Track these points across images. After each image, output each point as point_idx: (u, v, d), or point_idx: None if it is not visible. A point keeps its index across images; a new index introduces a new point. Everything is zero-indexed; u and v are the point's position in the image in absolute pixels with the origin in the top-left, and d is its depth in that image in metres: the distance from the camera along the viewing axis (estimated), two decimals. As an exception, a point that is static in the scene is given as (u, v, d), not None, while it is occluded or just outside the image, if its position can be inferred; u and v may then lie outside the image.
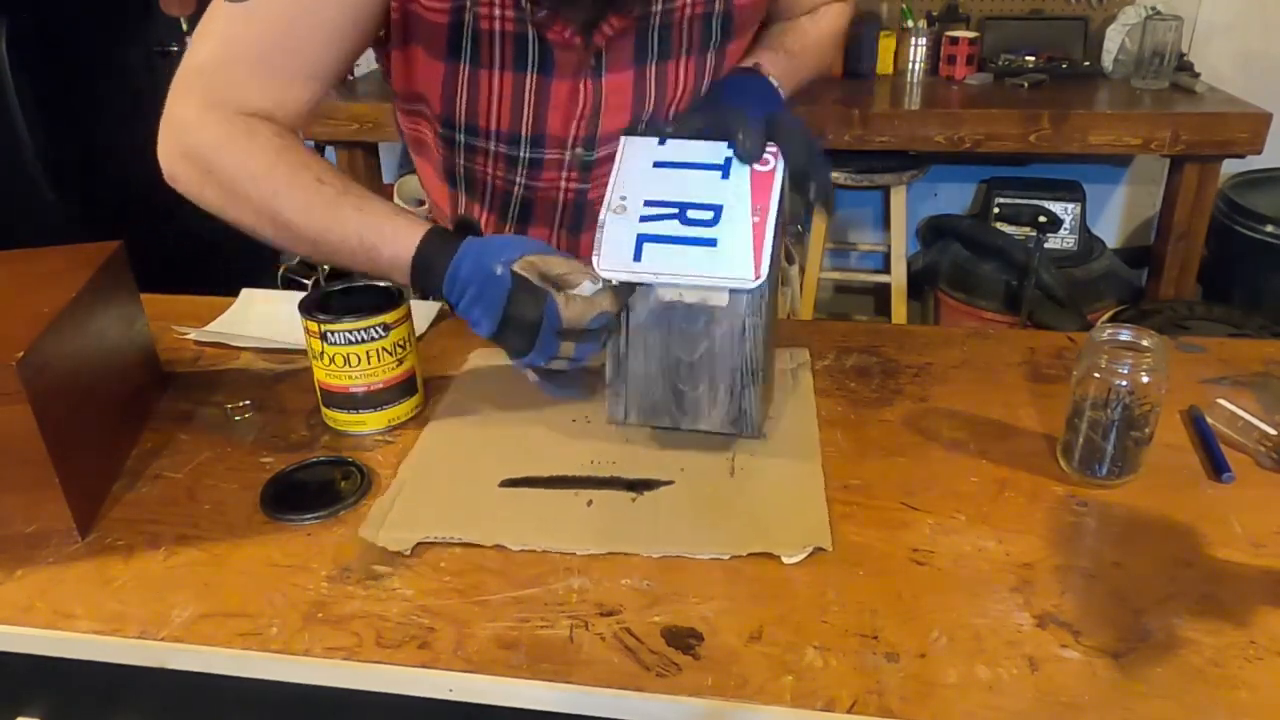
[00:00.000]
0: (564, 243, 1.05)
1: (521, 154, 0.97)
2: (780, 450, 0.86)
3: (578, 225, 1.04)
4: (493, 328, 0.79)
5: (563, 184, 1.00)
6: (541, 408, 0.93)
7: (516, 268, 0.78)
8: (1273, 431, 0.87)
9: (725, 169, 0.82)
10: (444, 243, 0.79)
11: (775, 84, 0.97)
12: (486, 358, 1.03)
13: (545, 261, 0.80)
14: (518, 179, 0.99)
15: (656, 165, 0.83)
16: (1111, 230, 2.86)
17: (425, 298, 0.85)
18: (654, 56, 0.92)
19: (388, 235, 0.80)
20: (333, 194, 0.81)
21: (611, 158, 0.85)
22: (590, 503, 0.80)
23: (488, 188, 1.02)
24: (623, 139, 0.85)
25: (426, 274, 0.79)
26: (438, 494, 0.81)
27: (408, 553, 0.74)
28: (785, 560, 0.73)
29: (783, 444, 0.87)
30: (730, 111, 0.83)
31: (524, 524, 0.77)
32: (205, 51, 0.82)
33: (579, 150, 0.97)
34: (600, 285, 0.80)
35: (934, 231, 2.87)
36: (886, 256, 2.71)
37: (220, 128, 0.81)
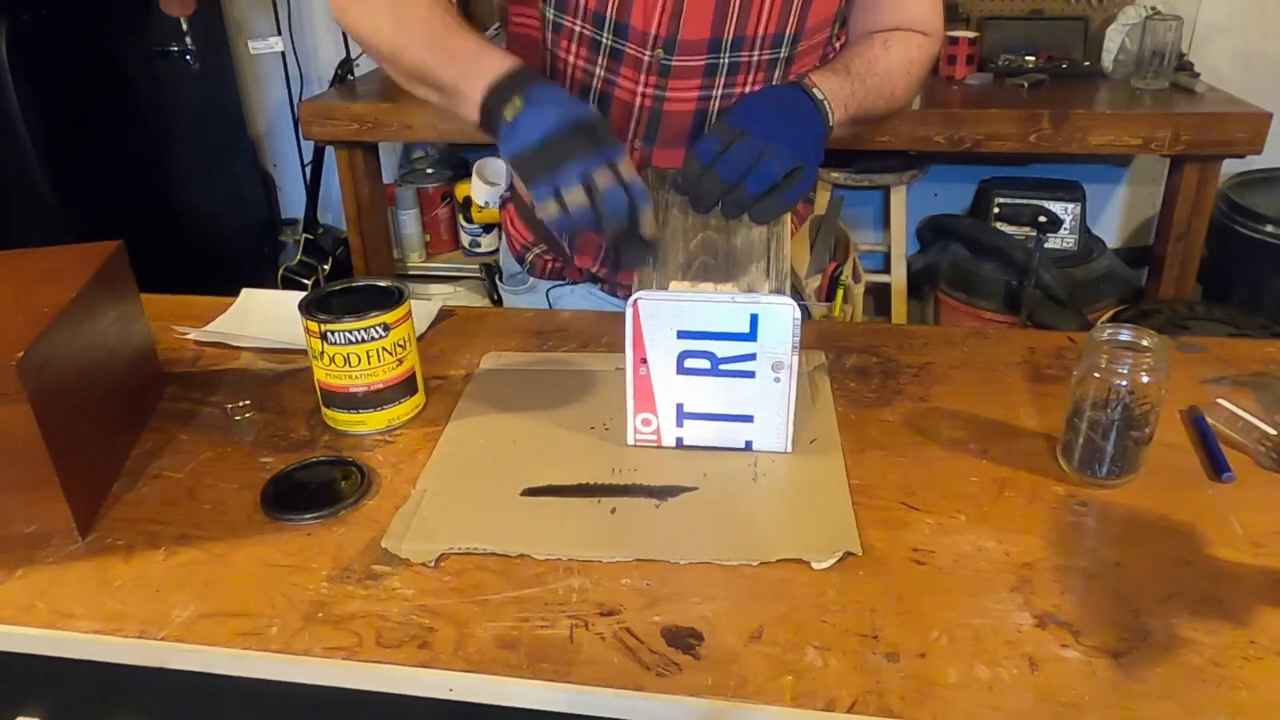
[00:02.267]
0: (637, 155, 1.04)
1: (604, 39, 0.98)
2: (802, 454, 0.86)
3: (652, 136, 1.03)
4: (552, 125, 0.81)
5: (640, 87, 1.00)
6: (559, 414, 0.93)
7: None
8: (1273, 431, 0.87)
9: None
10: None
11: (820, 98, 0.92)
12: (499, 361, 1.03)
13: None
14: (598, 69, 1.00)
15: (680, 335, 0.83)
16: (1111, 230, 2.86)
17: (492, 112, 0.86)
18: None
19: (473, 71, 0.87)
20: (437, 15, 0.91)
21: (690, 69, 0.91)
22: (614, 511, 0.79)
23: (568, 81, 1.02)
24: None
25: (526, 76, 0.85)
26: (459, 503, 0.81)
27: (432, 564, 0.74)
28: (815, 566, 0.72)
29: (804, 448, 0.87)
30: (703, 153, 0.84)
31: (548, 533, 0.76)
32: None
33: (659, 51, 0.97)
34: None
35: (934, 231, 2.87)
36: (886, 256, 2.71)
37: None
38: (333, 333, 0.86)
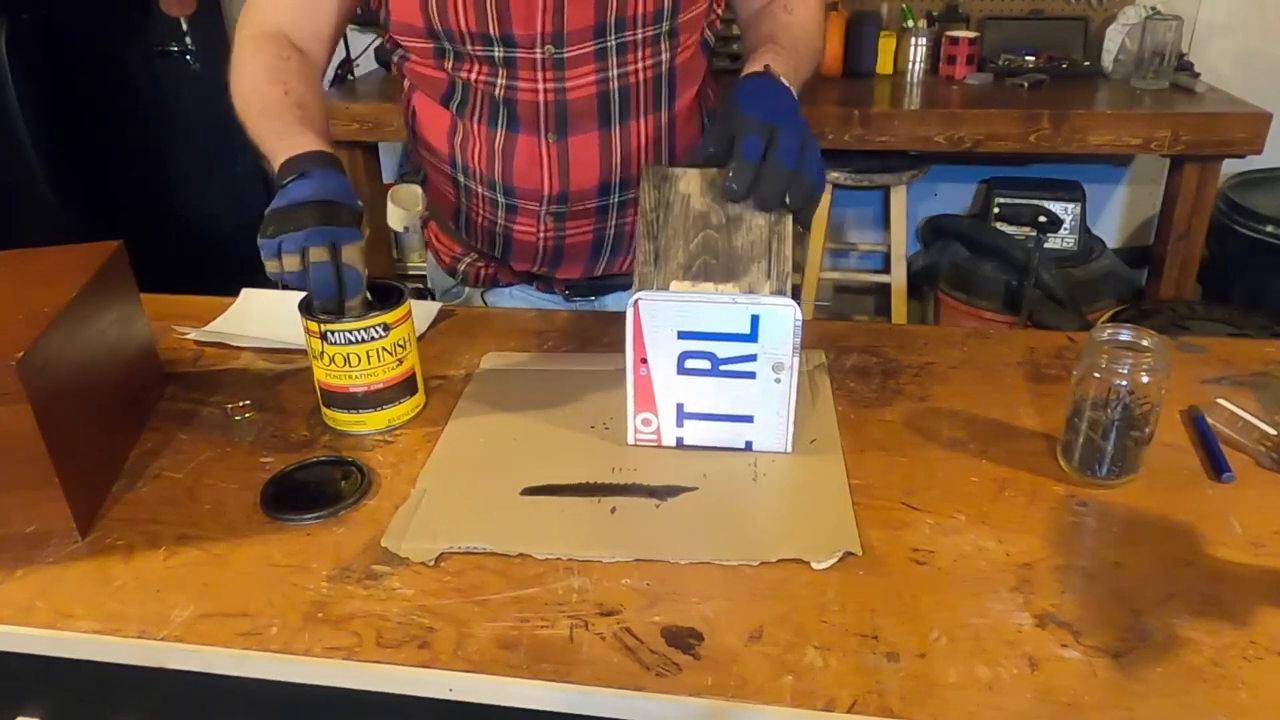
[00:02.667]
0: (553, 148, 1.08)
1: (495, 53, 1.01)
2: (802, 454, 0.86)
3: (562, 128, 1.07)
4: (301, 197, 0.86)
5: (540, 84, 1.03)
6: (559, 414, 0.93)
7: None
8: (1273, 431, 0.87)
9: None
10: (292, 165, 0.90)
11: (786, 84, 0.97)
12: (499, 361, 1.03)
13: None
14: (499, 81, 1.04)
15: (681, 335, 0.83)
16: (1111, 230, 2.86)
17: (278, 176, 0.92)
18: None
19: (281, 146, 0.93)
20: (273, 101, 0.99)
21: (582, 57, 0.95)
22: (614, 510, 0.79)
23: (476, 96, 1.07)
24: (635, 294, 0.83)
25: (309, 154, 0.91)
26: (459, 502, 0.81)
27: (431, 563, 0.74)
28: (815, 566, 0.72)
29: (804, 448, 0.87)
30: (729, 133, 0.86)
31: (548, 533, 0.77)
32: None
33: (549, 47, 1.01)
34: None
35: (934, 231, 2.87)
36: (886, 256, 2.71)
37: (250, 41, 1.04)
38: (333, 333, 0.86)
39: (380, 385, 0.89)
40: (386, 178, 2.75)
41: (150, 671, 0.68)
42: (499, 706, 0.65)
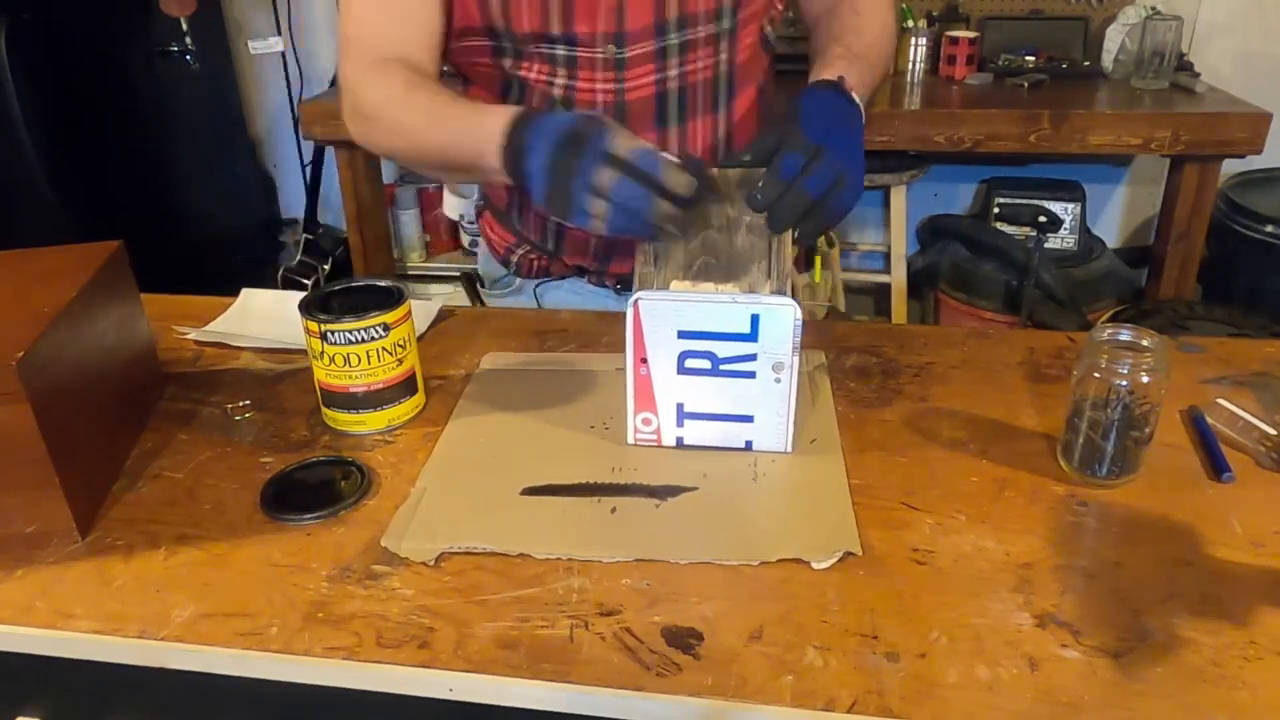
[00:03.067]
0: None
1: (557, 52, 1.01)
2: (802, 454, 0.86)
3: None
4: (545, 160, 0.82)
5: (599, 85, 1.03)
6: (559, 414, 0.93)
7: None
8: (1273, 431, 0.87)
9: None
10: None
11: (856, 99, 0.95)
12: (499, 361, 1.03)
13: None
14: (558, 80, 1.03)
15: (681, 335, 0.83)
16: (1111, 230, 2.86)
17: (512, 169, 0.87)
18: None
19: (479, 117, 0.91)
20: (439, 103, 0.95)
21: (642, 57, 0.95)
22: (614, 510, 0.79)
23: (534, 95, 1.05)
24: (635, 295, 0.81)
25: (520, 121, 0.86)
26: (459, 502, 0.81)
27: (431, 563, 0.74)
28: (815, 566, 0.72)
29: (804, 448, 0.87)
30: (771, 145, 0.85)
31: (548, 533, 0.76)
32: (349, 21, 1.01)
33: (610, 47, 1.00)
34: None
35: (934, 231, 2.87)
36: (886, 256, 2.71)
37: (366, 74, 0.99)
38: (333, 333, 0.86)
39: (380, 385, 0.89)
40: (387, 178, 2.75)
41: (150, 671, 0.68)
42: (499, 706, 0.65)
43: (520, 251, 1.22)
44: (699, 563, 0.73)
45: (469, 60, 1.08)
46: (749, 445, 0.86)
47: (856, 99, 0.95)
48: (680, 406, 0.85)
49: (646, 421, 0.86)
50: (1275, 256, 2.31)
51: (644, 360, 0.83)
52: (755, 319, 0.80)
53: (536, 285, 1.25)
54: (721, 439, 0.86)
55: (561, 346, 1.07)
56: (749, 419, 0.85)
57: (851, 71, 0.97)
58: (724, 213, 0.89)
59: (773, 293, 0.81)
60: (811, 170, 0.82)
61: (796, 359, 0.81)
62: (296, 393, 0.98)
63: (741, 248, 0.86)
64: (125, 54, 2.59)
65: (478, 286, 1.33)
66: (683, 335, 0.82)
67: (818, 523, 0.77)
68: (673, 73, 1.03)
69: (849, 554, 0.73)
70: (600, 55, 1.01)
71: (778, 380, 0.82)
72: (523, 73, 1.04)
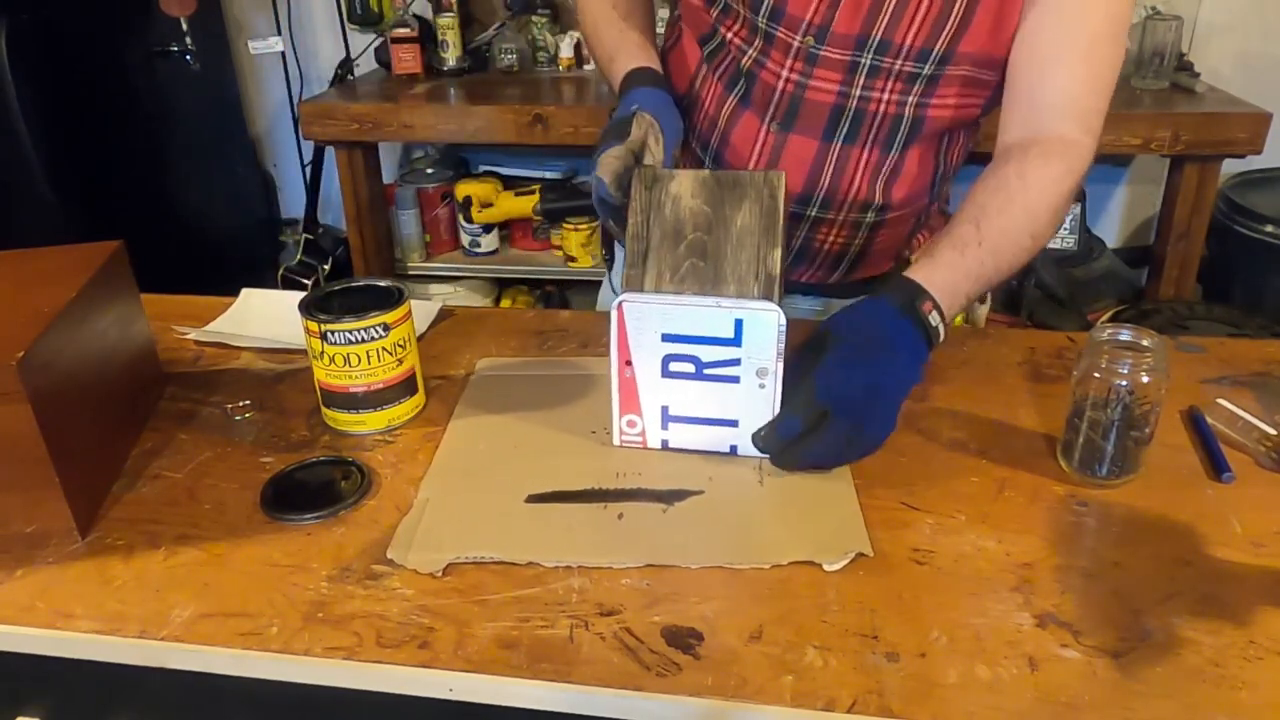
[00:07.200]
0: (771, 138, 1.05)
1: (760, 22, 1.00)
2: None
3: (789, 122, 1.03)
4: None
5: (785, 71, 1.01)
6: (558, 418, 0.93)
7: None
8: (1273, 431, 0.87)
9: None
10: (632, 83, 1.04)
11: (934, 325, 0.83)
12: (494, 367, 1.03)
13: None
14: (751, 50, 1.03)
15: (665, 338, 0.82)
16: (1111, 230, 2.86)
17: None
18: None
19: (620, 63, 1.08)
20: (617, 29, 1.11)
21: (835, 62, 0.97)
22: (621, 516, 0.79)
23: (727, 54, 1.06)
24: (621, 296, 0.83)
25: (632, 78, 1.05)
26: (464, 511, 0.80)
27: (439, 574, 0.73)
28: (826, 568, 0.72)
29: None
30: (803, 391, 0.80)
31: (556, 540, 0.76)
32: None
33: (809, 39, 0.98)
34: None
35: (934, 231, 2.86)
36: (886, 256, 2.71)
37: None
38: (333, 333, 0.86)
39: (380, 385, 0.89)
40: (387, 178, 2.75)
41: (150, 671, 0.68)
42: (499, 706, 0.65)
43: None
44: (710, 567, 0.73)
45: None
46: (734, 450, 0.86)
47: (932, 319, 0.83)
48: (665, 409, 0.85)
49: (631, 424, 0.86)
50: (1275, 256, 2.31)
51: (629, 362, 0.83)
52: (739, 324, 0.80)
53: None
54: (706, 443, 0.86)
55: (561, 347, 1.07)
56: (734, 423, 0.84)
57: (958, 269, 0.86)
58: (712, 216, 0.88)
59: (759, 297, 0.81)
60: (809, 443, 0.80)
61: (780, 364, 0.81)
62: (296, 393, 0.98)
63: (729, 252, 0.86)
64: (125, 54, 2.58)
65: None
66: (667, 339, 0.82)
67: (826, 524, 0.77)
68: (857, 91, 0.99)
69: (860, 555, 0.73)
70: (797, 43, 0.99)
71: (762, 386, 0.82)
72: (723, 30, 1.04)
